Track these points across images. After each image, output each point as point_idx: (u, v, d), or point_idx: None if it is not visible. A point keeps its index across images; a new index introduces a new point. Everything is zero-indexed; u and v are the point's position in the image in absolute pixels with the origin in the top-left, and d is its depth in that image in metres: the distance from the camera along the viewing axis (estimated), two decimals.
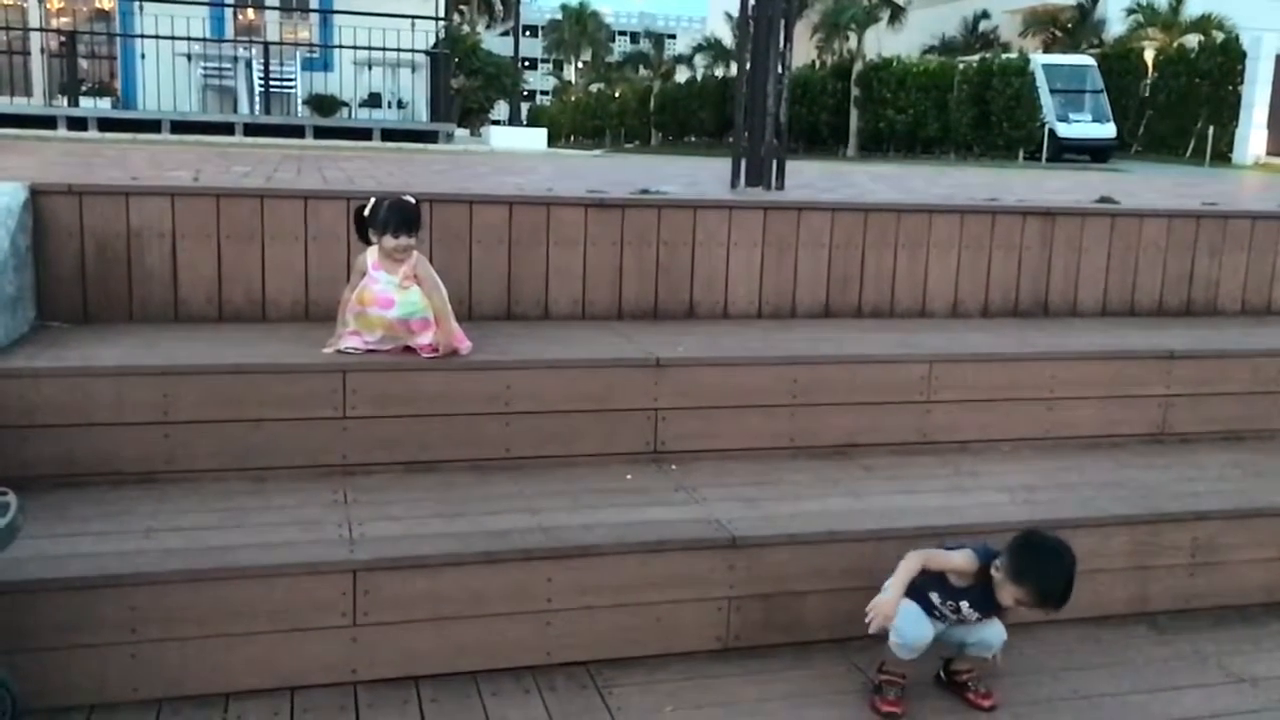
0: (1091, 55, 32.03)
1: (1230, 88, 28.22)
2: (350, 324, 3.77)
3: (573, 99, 69.19)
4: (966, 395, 4.26)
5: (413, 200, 3.81)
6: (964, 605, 2.99)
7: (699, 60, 53.51)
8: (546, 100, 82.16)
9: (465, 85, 22.42)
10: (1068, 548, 2.98)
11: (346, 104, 16.14)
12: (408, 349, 3.78)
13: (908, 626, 2.95)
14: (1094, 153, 27.99)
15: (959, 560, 2.98)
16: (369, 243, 3.79)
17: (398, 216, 3.71)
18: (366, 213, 3.77)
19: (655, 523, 3.34)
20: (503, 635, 3.09)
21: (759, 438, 4.03)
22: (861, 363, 4.18)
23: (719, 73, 48.03)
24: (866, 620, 2.98)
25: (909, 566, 3.00)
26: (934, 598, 2.99)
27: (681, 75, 55.78)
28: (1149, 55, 31.38)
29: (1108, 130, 28.92)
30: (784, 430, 4.05)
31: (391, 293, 3.71)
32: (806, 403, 4.06)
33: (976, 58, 33.10)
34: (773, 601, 3.30)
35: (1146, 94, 31.03)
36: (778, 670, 3.19)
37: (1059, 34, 38.73)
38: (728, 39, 47.57)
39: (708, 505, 3.49)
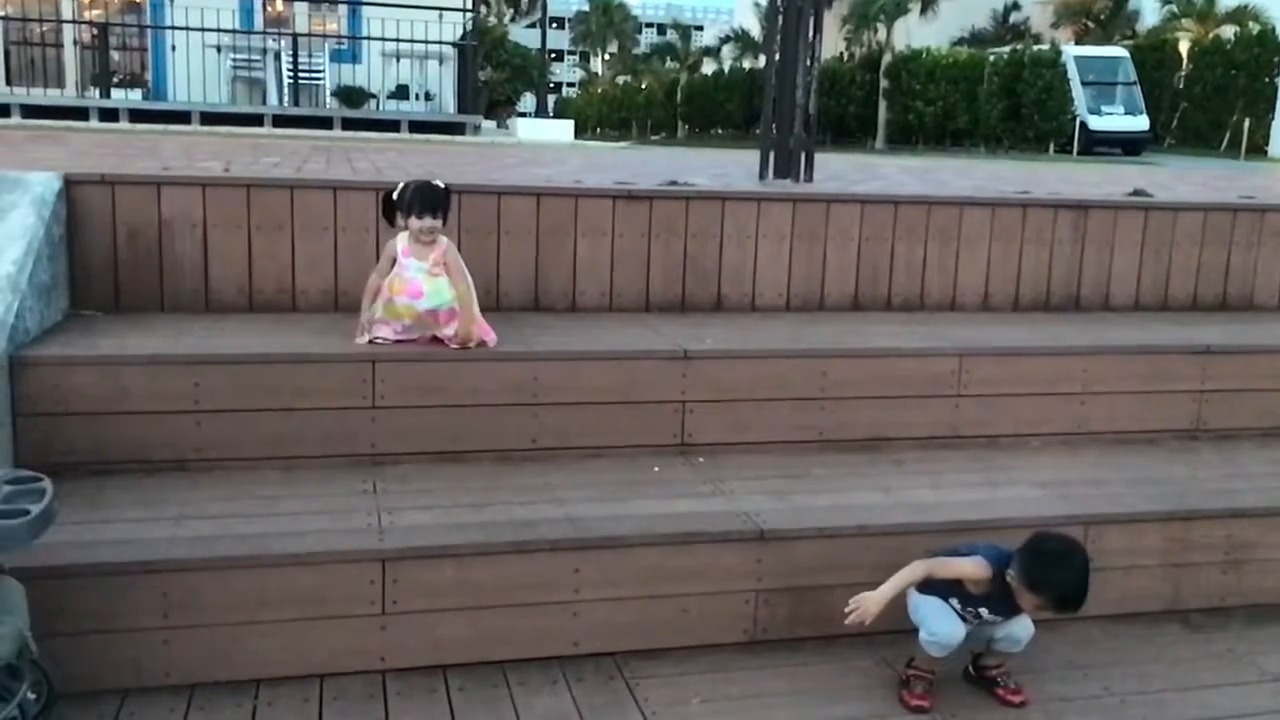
0: (1125, 47, 31.66)
1: (1266, 80, 27.84)
2: (379, 312, 3.78)
3: (599, 91, 69.15)
4: (997, 389, 4.22)
5: (441, 184, 3.82)
6: (984, 611, 2.96)
7: (726, 52, 53.33)
8: (573, 92, 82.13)
9: (493, 77, 22.48)
10: (1078, 547, 2.94)
11: (374, 96, 16.18)
12: (435, 339, 3.79)
13: (940, 624, 2.93)
14: (1126, 146, 27.69)
15: (968, 567, 2.92)
16: (396, 227, 3.80)
17: (422, 198, 3.73)
18: (395, 196, 3.78)
19: (683, 515, 3.34)
20: (530, 625, 3.10)
21: (787, 431, 4.01)
22: (891, 356, 4.15)
23: (746, 65, 47.83)
24: (847, 611, 2.93)
25: (910, 573, 2.96)
26: (954, 604, 2.96)
27: (708, 67, 55.61)
28: (1184, 47, 31.00)
29: (1141, 123, 28.61)
30: (812, 423, 4.03)
31: (421, 281, 3.72)
32: (835, 396, 4.04)
33: (1007, 49, 32.82)
34: (801, 595, 3.28)
35: (1181, 86, 30.68)
36: (805, 664, 3.18)
37: (1091, 25, 38.33)
38: (755, 30, 47.37)
39: (736, 498, 3.48)
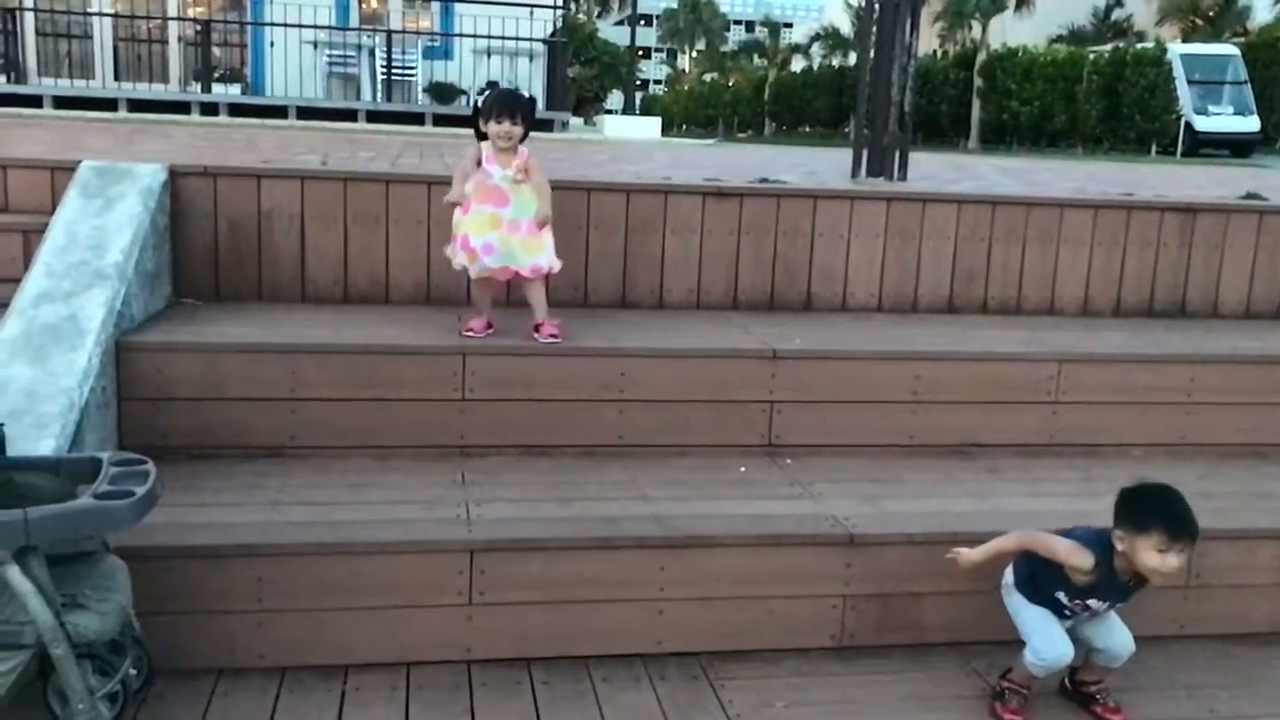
0: (1235, 45, 30.52)
1: None
2: (462, 226, 3.80)
3: (686, 88, 69.11)
4: (1097, 397, 4.08)
5: (525, 94, 3.87)
6: (1093, 602, 2.84)
7: (816, 49, 52.86)
8: (659, 89, 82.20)
9: (581, 74, 22.59)
10: (1163, 484, 2.84)
11: (465, 92, 16.37)
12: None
13: (1048, 647, 2.82)
14: (1234, 147, 26.69)
15: (1064, 548, 2.80)
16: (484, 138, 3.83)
17: (500, 101, 3.78)
18: (479, 104, 3.84)
19: (770, 516, 3.30)
20: (614, 621, 3.09)
21: (878, 434, 3.93)
22: (987, 360, 4.04)
23: (836, 63, 47.33)
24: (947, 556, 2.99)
25: (1006, 541, 2.92)
26: (1061, 597, 2.85)
27: (797, 65, 55.16)
28: None
29: (1250, 124, 27.55)
30: (904, 427, 3.95)
31: (505, 189, 3.76)
32: (928, 400, 3.95)
33: (1108, 47, 31.89)
34: (890, 601, 3.21)
35: None
36: (893, 672, 3.11)
37: (1199, 22, 37.02)
38: (846, 28, 46.85)
39: (824, 501, 3.43)
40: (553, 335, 3.81)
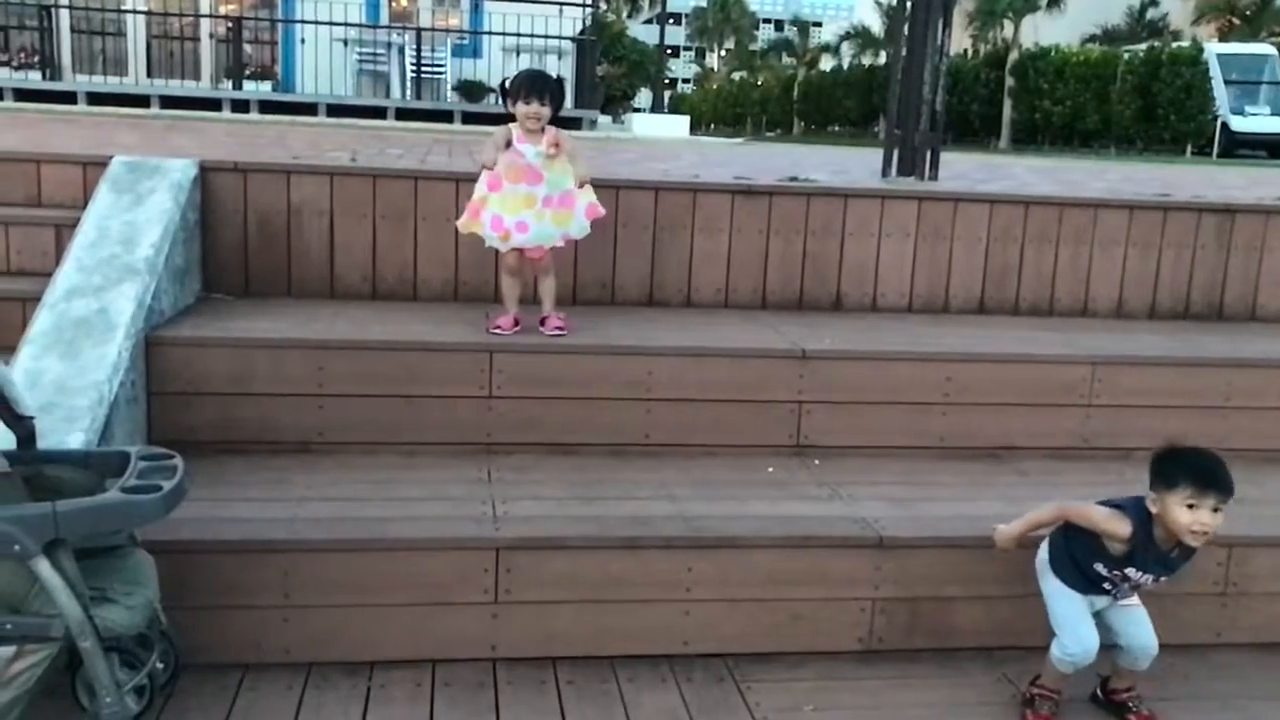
0: (1273, 44, 30.11)
1: None
2: (492, 204, 3.78)
3: (714, 86, 68.99)
4: (1131, 400, 4.02)
5: (552, 75, 3.87)
6: (1131, 572, 2.77)
7: (845, 48, 52.65)
8: (688, 88, 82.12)
9: (610, 72, 22.59)
10: (1194, 446, 2.80)
11: (494, 90, 16.40)
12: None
13: (1074, 641, 2.77)
14: (1272, 148, 26.32)
15: (1101, 515, 2.76)
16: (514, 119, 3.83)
17: (529, 81, 3.78)
18: (507, 84, 3.84)
19: (799, 518, 3.26)
20: (641, 622, 3.07)
21: (907, 436, 3.89)
22: (1019, 362, 3.99)
23: (865, 62, 47.09)
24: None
25: (1043, 514, 2.93)
26: (1100, 569, 2.79)
27: (826, 64, 54.95)
28: None
29: None
30: (934, 429, 3.90)
31: (539, 166, 3.75)
32: (959, 402, 3.91)
33: (1143, 46, 31.53)
34: (919, 605, 3.17)
35: None
36: (922, 677, 3.07)
37: (1236, 21, 36.54)
38: (876, 27, 46.63)
39: (853, 503, 3.39)
40: (558, 329, 3.82)
